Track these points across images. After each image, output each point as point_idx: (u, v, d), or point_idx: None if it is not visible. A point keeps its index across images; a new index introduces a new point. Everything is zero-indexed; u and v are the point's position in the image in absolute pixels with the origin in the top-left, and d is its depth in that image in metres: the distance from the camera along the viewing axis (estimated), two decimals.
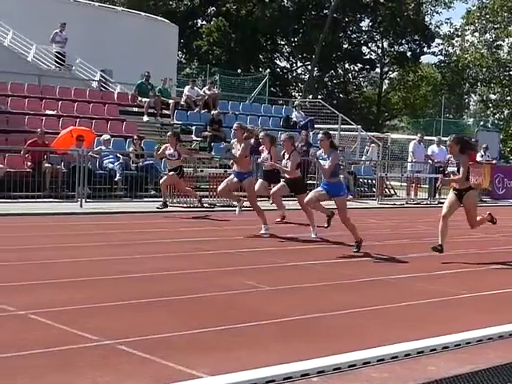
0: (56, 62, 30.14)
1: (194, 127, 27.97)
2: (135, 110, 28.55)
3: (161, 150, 18.86)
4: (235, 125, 15.25)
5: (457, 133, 26.35)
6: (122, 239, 13.17)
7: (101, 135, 23.06)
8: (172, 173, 18.71)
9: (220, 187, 15.28)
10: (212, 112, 27.70)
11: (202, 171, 21.97)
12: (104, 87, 30.35)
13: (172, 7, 60.33)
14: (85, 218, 16.60)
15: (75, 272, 9.62)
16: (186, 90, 30.15)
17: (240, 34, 58.36)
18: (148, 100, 28.01)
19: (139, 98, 28.41)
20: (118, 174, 21.62)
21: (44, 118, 24.16)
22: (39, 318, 7.03)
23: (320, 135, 13.03)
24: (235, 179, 14.78)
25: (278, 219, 16.59)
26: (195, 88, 30.47)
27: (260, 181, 16.46)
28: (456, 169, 12.05)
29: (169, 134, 19.50)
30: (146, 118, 27.61)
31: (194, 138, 27.61)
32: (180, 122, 28.41)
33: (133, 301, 8.00)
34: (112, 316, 7.35)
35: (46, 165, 20.47)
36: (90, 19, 33.20)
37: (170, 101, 28.91)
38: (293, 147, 15.38)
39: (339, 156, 13.41)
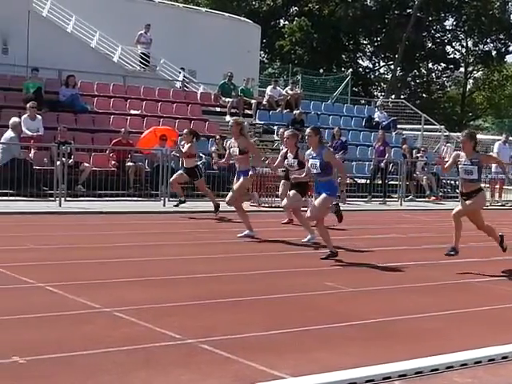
0: (141, 62, 30.62)
1: (275, 127, 28.07)
2: (218, 109, 28.79)
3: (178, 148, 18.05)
4: (231, 121, 14.47)
5: None
6: (202, 238, 13.32)
7: None
8: (180, 172, 17.88)
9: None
10: (294, 112, 27.74)
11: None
12: (187, 87, 30.68)
13: (255, 7, 60.57)
14: (167, 217, 16.83)
15: (156, 271, 9.79)
16: (269, 89, 30.28)
17: (322, 33, 58.22)
18: (231, 100, 28.23)
19: (222, 98, 28.66)
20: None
21: (128, 117, 24.58)
22: (124, 315, 7.18)
23: (308, 131, 11.82)
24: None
25: (284, 221, 16.17)
26: (277, 88, 30.57)
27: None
28: (476, 167, 10.83)
29: (185, 131, 18.12)
30: (228, 118, 27.74)
31: (276, 138, 27.68)
32: (262, 122, 28.55)
33: (215, 300, 8.10)
34: (194, 315, 7.45)
35: (130, 164, 20.83)
36: (174, 20, 33.57)
37: (253, 101, 29.08)
38: (296, 146, 14.43)
39: (332, 154, 12.02)
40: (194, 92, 29.95)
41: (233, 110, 28.27)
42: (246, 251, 12.07)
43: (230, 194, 13.86)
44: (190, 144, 17.30)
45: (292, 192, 13.68)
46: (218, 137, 23.69)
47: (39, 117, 21.48)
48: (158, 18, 31.79)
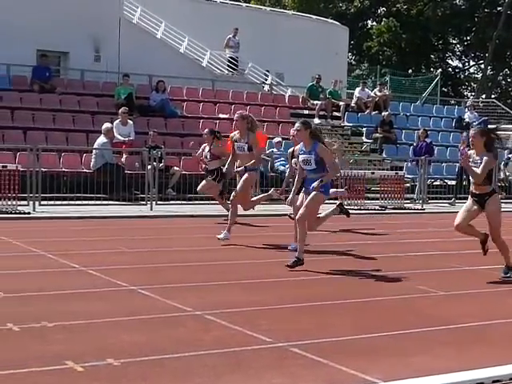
0: (229, 66, 30.87)
1: (364, 129, 27.92)
2: (306, 112, 28.76)
3: (199, 151, 16.73)
4: (236, 115, 13.35)
5: None
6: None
7: (272, 138, 23.38)
8: (208, 178, 16.25)
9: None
10: (383, 113, 27.54)
11: (373, 173, 21.86)
12: (275, 90, 30.78)
13: (342, 9, 60.32)
14: (256, 220, 16.88)
15: (243, 274, 9.83)
16: (357, 91, 30.14)
17: (411, 33, 57.58)
18: (319, 102, 28.19)
19: (310, 101, 28.64)
20: None
21: (217, 121, 24.79)
22: (215, 318, 7.24)
23: (296, 124, 10.99)
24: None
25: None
26: (366, 89, 30.41)
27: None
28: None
29: (206, 131, 16.45)
30: (316, 121, 27.72)
31: (365, 139, 27.55)
32: (350, 124, 28.43)
33: (303, 303, 8.10)
34: (284, 318, 7.46)
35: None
36: (261, 24, 33.72)
37: (341, 103, 28.98)
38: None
39: (327, 151, 10.83)
40: (281, 95, 30.02)
41: (321, 113, 28.23)
42: (329, 254, 12.02)
43: (233, 192, 12.95)
44: (219, 145, 16.03)
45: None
46: None
47: (130, 122, 21.88)
48: (245, 21, 31.98)
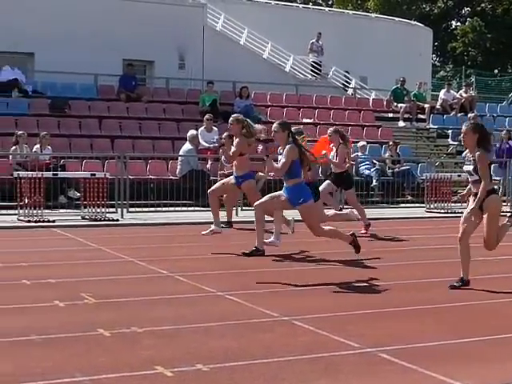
0: (312, 71, 30.86)
1: (450, 131, 27.51)
2: (390, 115, 28.53)
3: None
4: (231, 118, 12.89)
5: None
6: (374, 246, 13.25)
7: (357, 142, 23.26)
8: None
9: (211, 189, 13.38)
10: (469, 115, 27.06)
11: (459, 176, 21.52)
12: (359, 94, 30.63)
13: (425, 10, 59.67)
14: (344, 223, 16.76)
15: (325, 278, 9.80)
16: (442, 93, 29.75)
17: (496, 33, 56.55)
18: (403, 105, 27.91)
19: (394, 104, 28.39)
20: (374, 180, 21.81)
21: (301, 126, 24.76)
22: (303, 324, 7.24)
23: (274, 125, 10.44)
24: (232, 181, 13.11)
25: (363, 231, 14.66)
26: (451, 91, 30.01)
27: (326, 182, 15.03)
28: (473, 167, 9.21)
29: (225, 135, 15.30)
30: (401, 124, 27.51)
31: (451, 142, 27.15)
32: (436, 127, 28.07)
33: (389, 308, 8.04)
34: (372, 323, 7.41)
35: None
36: (344, 27, 33.59)
37: (426, 105, 28.64)
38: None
39: (296, 148, 10.20)
40: (366, 98, 29.86)
41: (406, 116, 27.94)
42: (407, 259, 11.87)
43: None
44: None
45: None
46: (391, 142, 23.52)
47: (215, 128, 22.06)
48: (328, 25, 31.93)
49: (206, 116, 22.00)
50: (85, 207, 16.96)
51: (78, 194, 17.94)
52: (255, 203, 10.75)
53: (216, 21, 29.72)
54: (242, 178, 12.84)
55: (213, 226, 12.83)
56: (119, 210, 17.45)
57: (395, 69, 31.03)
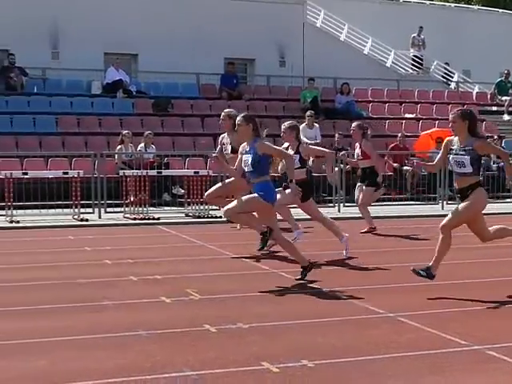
0: (413, 65, 30.49)
1: None
2: (494, 109, 27.93)
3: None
4: (222, 114, 12.13)
5: None
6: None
7: None
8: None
9: (208, 192, 12.57)
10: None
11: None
12: (462, 88, 30.10)
13: None
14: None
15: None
16: None
17: None
18: (508, 98, 27.29)
19: (498, 97, 27.79)
20: None
21: (403, 121, 24.55)
22: (408, 321, 7.17)
23: (238, 119, 9.67)
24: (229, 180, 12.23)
25: (364, 230, 14.41)
26: None
27: (357, 185, 14.74)
28: (470, 157, 8.48)
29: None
30: (506, 117, 26.90)
31: None
32: None
33: (497, 306, 7.88)
34: (478, 320, 7.29)
35: (407, 168, 20.78)
36: (446, 20, 33.04)
37: None
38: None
39: (268, 145, 9.61)
40: (469, 92, 29.32)
41: (510, 109, 27.30)
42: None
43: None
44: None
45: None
46: (495, 137, 23.04)
47: (316, 125, 22.07)
48: (429, 19, 31.47)
49: (308, 113, 22.02)
50: (188, 204, 17.20)
51: (182, 191, 18.20)
52: (225, 208, 9.97)
53: (316, 17, 29.66)
54: None
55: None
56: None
57: (499, 61, 30.37)
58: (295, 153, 11.50)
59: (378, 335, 6.71)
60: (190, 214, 16.87)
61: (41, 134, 20.83)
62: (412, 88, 27.46)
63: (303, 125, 21.53)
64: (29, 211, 16.60)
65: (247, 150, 9.45)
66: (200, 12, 25.72)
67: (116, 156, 19.38)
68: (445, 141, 8.88)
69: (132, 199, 16.72)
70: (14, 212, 16.00)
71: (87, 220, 16.08)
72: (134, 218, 16.13)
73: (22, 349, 6.31)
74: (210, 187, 16.68)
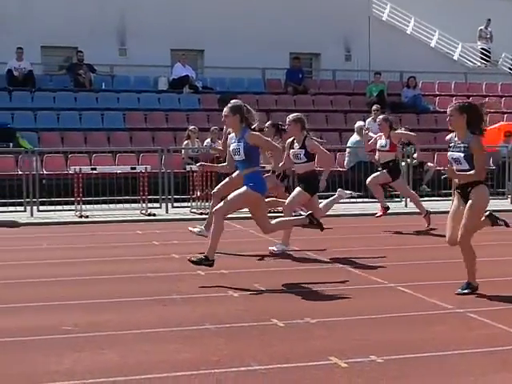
0: (481, 58, 30.07)
1: None
2: None
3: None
4: (225, 109, 10.36)
5: None
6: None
7: None
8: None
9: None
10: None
11: None
12: None
13: None
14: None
15: (491, 271, 9.53)
16: None
17: None
18: None
19: None
20: None
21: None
22: (478, 316, 7.09)
23: (224, 109, 9.47)
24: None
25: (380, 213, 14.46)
26: None
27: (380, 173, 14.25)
28: (464, 154, 8.02)
29: (268, 123, 14.17)
30: None
31: None
32: None
33: None
34: None
35: None
36: None
37: None
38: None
39: (258, 135, 9.31)
40: None
41: None
42: None
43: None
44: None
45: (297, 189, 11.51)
46: None
47: None
48: (497, 11, 30.94)
49: (374, 107, 21.87)
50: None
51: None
52: (214, 208, 9.52)
53: (382, 11, 29.43)
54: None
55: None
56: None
57: None
58: (301, 147, 11.24)
59: (447, 331, 6.65)
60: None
61: (109, 129, 21.14)
62: (480, 81, 27.10)
63: (369, 119, 21.42)
64: (97, 206, 16.85)
65: (236, 140, 9.37)
66: (265, 7, 25.71)
67: (182, 151, 19.53)
68: (448, 136, 8.41)
69: (198, 194, 16.83)
70: (83, 207, 16.26)
71: (154, 215, 16.25)
72: (201, 213, 16.23)
73: (93, 342, 6.40)
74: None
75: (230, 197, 9.25)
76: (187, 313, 7.44)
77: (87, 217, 15.91)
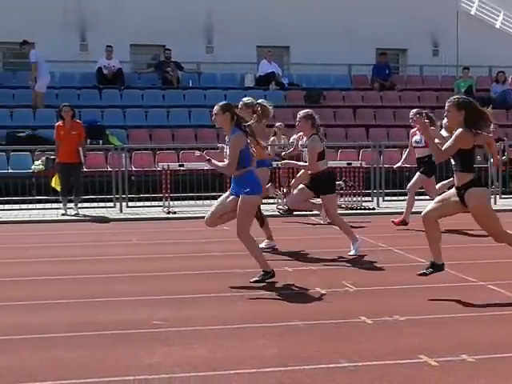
0: None
1: None
2: None
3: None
4: (240, 103, 10.93)
5: None
6: None
7: None
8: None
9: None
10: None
11: None
12: None
13: None
14: None
15: None
16: None
17: None
18: None
19: None
20: None
21: None
22: None
23: (214, 108, 8.97)
24: None
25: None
26: None
27: (417, 175, 13.74)
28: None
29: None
30: None
31: None
32: None
33: None
34: None
35: None
36: None
37: None
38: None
39: (242, 136, 8.79)
40: None
41: None
42: None
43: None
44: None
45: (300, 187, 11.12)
46: None
47: None
48: None
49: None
50: (341, 196, 17.17)
51: (339, 182, 18.15)
52: (205, 220, 9.30)
53: (470, 5, 28.95)
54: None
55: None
56: (375, 198, 17.54)
57: None
58: (306, 145, 10.76)
59: None
60: (343, 206, 16.82)
61: (196, 126, 21.36)
62: None
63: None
64: (185, 202, 17.04)
65: (227, 140, 8.99)
66: (351, 2, 25.60)
67: (269, 148, 19.55)
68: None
69: (285, 191, 16.84)
70: (171, 203, 16.46)
71: None
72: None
73: (182, 336, 6.48)
74: (363, 179, 16.72)
75: (237, 218, 8.76)
76: (275, 309, 7.47)
77: (175, 213, 16.11)
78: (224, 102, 9.11)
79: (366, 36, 24.98)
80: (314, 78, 24.80)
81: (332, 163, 18.16)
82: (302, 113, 11.09)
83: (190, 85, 23.96)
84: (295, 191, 11.31)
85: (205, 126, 21.31)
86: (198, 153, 9.72)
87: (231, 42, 23.98)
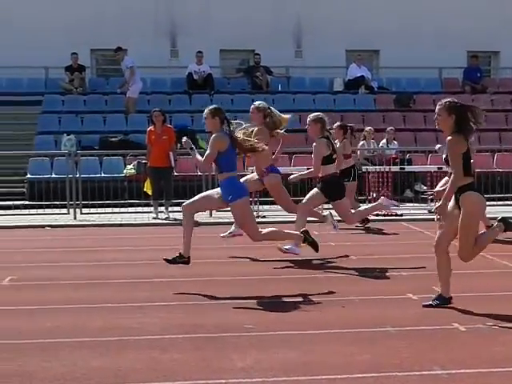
0: None
1: None
2: None
3: None
4: (252, 106, 11.15)
5: None
6: None
7: None
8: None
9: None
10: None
11: None
12: None
13: None
14: None
15: None
16: None
17: None
18: None
19: None
20: None
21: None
22: None
23: (204, 111, 9.08)
24: (255, 177, 11.28)
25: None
26: None
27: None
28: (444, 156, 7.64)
29: (335, 125, 14.06)
30: None
31: None
32: None
33: None
34: None
35: None
36: None
37: None
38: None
39: (225, 138, 8.90)
40: None
41: None
42: None
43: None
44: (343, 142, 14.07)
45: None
46: None
47: None
48: None
49: None
50: (431, 201, 16.95)
51: (425, 188, 17.98)
52: (184, 204, 9.39)
53: None
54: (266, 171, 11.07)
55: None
56: None
57: None
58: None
59: None
60: (433, 211, 16.55)
61: (285, 130, 21.31)
62: None
63: None
64: (274, 207, 17.07)
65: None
66: (442, 6, 25.28)
67: (358, 152, 19.49)
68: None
69: (374, 195, 16.75)
70: (260, 207, 16.55)
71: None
72: (377, 214, 16.13)
73: (274, 340, 6.51)
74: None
75: (240, 227, 9.32)
76: (366, 314, 7.44)
77: (264, 217, 16.16)
78: (214, 106, 9.24)
79: (457, 38, 24.63)
80: (403, 82, 24.61)
81: (422, 168, 18.12)
82: (311, 116, 11.26)
83: (279, 89, 24.04)
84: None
85: (294, 130, 21.31)
86: (185, 138, 9.79)
87: (320, 46, 23.97)
